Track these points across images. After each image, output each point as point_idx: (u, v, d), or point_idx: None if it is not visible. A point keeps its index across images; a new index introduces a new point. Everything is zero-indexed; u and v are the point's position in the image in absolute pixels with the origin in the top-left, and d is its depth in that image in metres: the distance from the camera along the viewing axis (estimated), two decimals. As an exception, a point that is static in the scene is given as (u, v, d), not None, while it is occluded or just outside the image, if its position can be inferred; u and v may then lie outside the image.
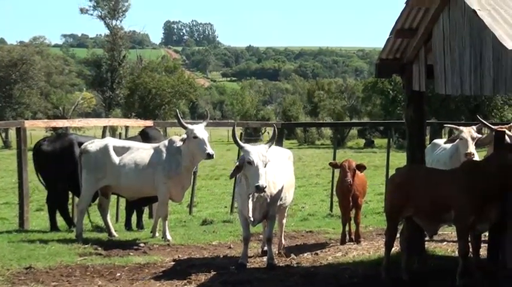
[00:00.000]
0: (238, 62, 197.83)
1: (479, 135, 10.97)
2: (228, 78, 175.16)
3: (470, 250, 7.84)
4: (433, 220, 7.98)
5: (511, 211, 7.57)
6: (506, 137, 9.82)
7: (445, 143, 11.58)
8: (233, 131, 8.99)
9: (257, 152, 8.60)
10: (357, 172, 10.52)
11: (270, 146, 8.89)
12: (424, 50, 9.21)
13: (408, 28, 9.14)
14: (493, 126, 10.35)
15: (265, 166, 8.59)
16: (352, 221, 10.81)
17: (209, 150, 10.55)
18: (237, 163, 8.71)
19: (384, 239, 9.88)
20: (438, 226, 8.21)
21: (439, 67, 8.69)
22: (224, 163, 26.81)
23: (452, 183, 7.73)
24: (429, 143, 13.10)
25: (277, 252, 9.84)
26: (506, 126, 10.47)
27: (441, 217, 7.86)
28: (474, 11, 6.64)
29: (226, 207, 14.63)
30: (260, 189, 8.44)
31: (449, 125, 12.30)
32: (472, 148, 10.36)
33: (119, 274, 8.81)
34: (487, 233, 8.72)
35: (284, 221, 10.18)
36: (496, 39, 6.04)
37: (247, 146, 8.80)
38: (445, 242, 10.37)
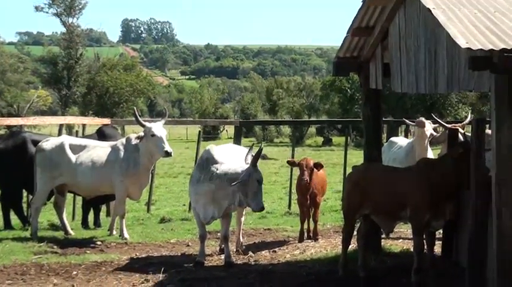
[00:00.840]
0: (197, 60, 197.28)
1: (434, 134, 11.12)
2: (187, 77, 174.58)
3: (425, 247, 7.93)
4: (390, 217, 8.06)
5: (464, 210, 7.67)
6: (460, 135, 9.97)
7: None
8: (256, 154, 8.72)
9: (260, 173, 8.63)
10: (316, 170, 10.58)
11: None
12: (381, 48, 9.28)
13: (365, 27, 9.20)
14: (447, 125, 10.49)
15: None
16: (311, 219, 10.86)
17: (167, 148, 10.51)
18: (244, 178, 8.55)
19: (341, 237, 9.96)
20: (394, 224, 8.29)
21: (395, 65, 8.76)
22: (183, 160, 26.71)
23: (408, 181, 7.81)
24: (386, 141, 13.25)
25: (235, 250, 9.85)
26: (460, 124, 10.62)
27: (397, 214, 7.93)
28: (429, 10, 6.71)
29: (184, 205, 14.56)
30: (261, 209, 8.64)
31: (407, 121, 12.41)
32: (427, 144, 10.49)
33: (75, 272, 8.72)
34: (441, 231, 8.85)
35: (242, 219, 10.19)
36: (449, 37, 6.11)
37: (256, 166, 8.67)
38: (401, 240, 10.47)
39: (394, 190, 7.86)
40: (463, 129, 10.41)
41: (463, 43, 5.79)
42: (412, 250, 9.52)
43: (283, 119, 50.79)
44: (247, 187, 8.56)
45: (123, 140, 11.01)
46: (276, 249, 10.13)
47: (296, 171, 11.52)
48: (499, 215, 6.05)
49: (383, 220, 8.14)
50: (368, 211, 8.16)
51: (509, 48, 5.59)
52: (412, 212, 7.72)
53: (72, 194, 12.28)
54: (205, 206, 8.95)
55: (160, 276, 8.46)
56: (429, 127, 11.17)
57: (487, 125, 7.41)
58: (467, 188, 7.19)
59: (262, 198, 8.62)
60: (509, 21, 6.36)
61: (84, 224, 12.14)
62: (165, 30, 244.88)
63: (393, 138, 12.97)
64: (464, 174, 7.43)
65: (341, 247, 8.59)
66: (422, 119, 11.52)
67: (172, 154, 10.69)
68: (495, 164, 6.07)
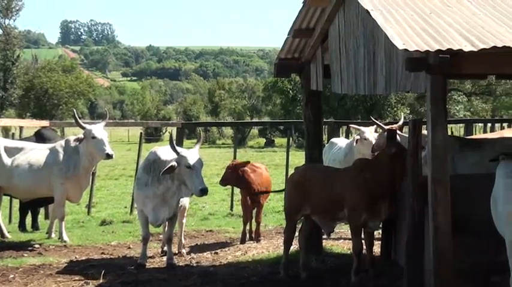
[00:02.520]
0: (138, 62, 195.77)
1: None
2: (128, 78, 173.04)
3: (364, 247, 8.03)
4: (329, 218, 8.13)
5: (402, 210, 7.79)
6: (398, 136, 10.11)
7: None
8: (170, 139, 8.88)
9: (194, 156, 8.57)
10: (262, 171, 10.66)
11: (198, 148, 8.87)
12: (321, 49, 9.36)
13: (306, 28, 9.27)
14: (384, 126, 10.62)
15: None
16: (253, 220, 10.89)
17: (108, 150, 10.41)
18: (173, 164, 8.54)
19: (283, 238, 10.01)
20: (334, 224, 8.36)
21: (335, 67, 8.84)
22: (124, 163, 26.44)
23: (345, 181, 7.89)
24: (327, 142, 13.36)
25: (177, 252, 9.80)
26: (396, 125, 10.76)
27: (336, 215, 8.01)
28: (367, 11, 6.79)
29: (126, 207, 14.43)
30: (205, 192, 8.44)
31: (353, 126, 12.49)
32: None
33: (12, 276, 8.55)
34: (380, 231, 8.98)
35: (184, 220, 10.15)
36: (387, 39, 6.19)
37: (184, 151, 8.70)
38: (342, 240, 10.58)
39: (332, 190, 7.94)
40: (401, 130, 10.54)
41: (400, 44, 5.87)
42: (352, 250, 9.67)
43: (225, 121, 50.78)
44: (182, 175, 8.55)
45: (62, 142, 10.85)
46: (218, 251, 10.12)
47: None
48: (434, 215, 6.14)
49: (323, 221, 8.21)
50: (309, 211, 8.21)
51: (444, 49, 5.69)
52: (349, 212, 7.81)
53: (8, 197, 12.03)
54: (155, 209, 8.90)
55: (101, 279, 8.35)
56: (371, 136, 11.23)
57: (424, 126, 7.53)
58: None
59: (202, 182, 8.45)
60: (445, 23, 6.47)
61: (22, 227, 11.93)
62: (106, 32, 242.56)
63: (334, 139, 13.09)
64: (399, 174, 7.57)
65: (283, 247, 8.62)
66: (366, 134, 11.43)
67: (113, 156, 10.59)
68: (430, 163, 6.16)
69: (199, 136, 9.05)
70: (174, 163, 8.52)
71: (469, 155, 8.06)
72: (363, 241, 8.01)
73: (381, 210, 7.82)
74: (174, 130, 14.70)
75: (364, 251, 8.00)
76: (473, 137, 13.25)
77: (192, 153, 8.63)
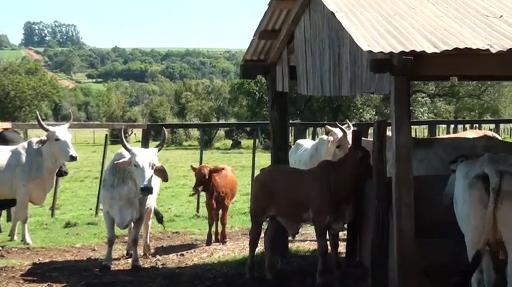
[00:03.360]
0: (104, 63, 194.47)
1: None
2: (94, 80, 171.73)
3: (330, 248, 8.06)
4: (294, 219, 8.15)
5: (367, 211, 7.84)
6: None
7: None
8: (121, 135, 8.92)
9: (144, 154, 8.54)
10: (227, 172, 10.63)
11: (159, 150, 8.86)
12: (287, 51, 9.38)
13: (271, 30, 9.28)
14: (345, 129, 10.65)
15: (152, 168, 8.53)
16: (219, 222, 10.87)
17: (72, 152, 10.31)
18: (124, 160, 8.56)
19: (248, 239, 10.01)
20: (299, 226, 8.37)
21: (301, 68, 8.87)
22: (89, 164, 26.18)
23: (310, 183, 7.93)
24: (294, 144, 13.38)
25: (142, 254, 9.75)
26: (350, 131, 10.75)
27: (301, 216, 8.03)
28: (332, 13, 6.82)
29: (91, 209, 14.31)
30: (146, 190, 8.36)
31: (329, 128, 12.43)
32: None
33: (-27, 280, 8.44)
34: (346, 232, 9.02)
35: (149, 222, 10.11)
36: (352, 40, 6.23)
37: (135, 149, 8.68)
38: (307, 241, 10.61)
39: (297, 191, 7.97)
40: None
41: (364, 46, 5.91)
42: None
43: (191, 122, 50.60)
44: (133, 173, 8.52)
45: (25, 144, 10.71)
46: (184, 252, 10.09)
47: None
48: (398, 215, 6.19)
49: (288, 222, 8.22)
50: (274, 212, 8.22)
51: (407, 51, 5.74)
52: (314, 214, 7.84)
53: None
54: (121, 210, 8.86)
55: (65, 281, 8.27)
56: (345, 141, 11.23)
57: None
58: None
59: (145, 180, 8.35)
60: (408, 25, 6.53)
61: (-17, 229, 11.76)
62: (70, 33, 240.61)
63: (300, 141, 13.11)
64: (363, 178, 7.63)
65: (248, 249, 8.62)
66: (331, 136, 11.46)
67: (77, 158, 10.49)
68: (395, 164, 6.20)
69: (163, 136, 9.02)
70: (125, 159, 8.55)
71: (417, 152, 8.13)
72: (328, 242, 8.04)
73: (345, 212, 7.88)
74: (140, 132, 14.62)
75: (329, 252, 8.03)
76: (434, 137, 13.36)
77: (141, 151, 8.64)
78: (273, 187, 8.15)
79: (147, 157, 8.52)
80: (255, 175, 8.99)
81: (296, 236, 9.99)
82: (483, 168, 6.01)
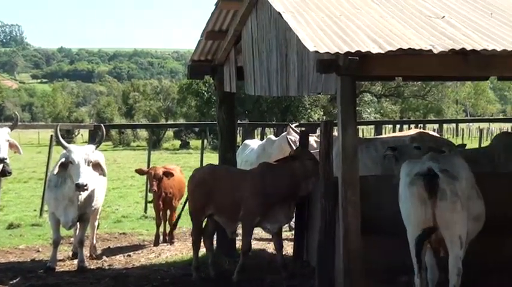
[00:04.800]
0: (49, 64, 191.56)
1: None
2: (39, 80, 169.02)
3: (273, 249, 8.11)
4: (231, 218, 8.20)
5: (314, 211, 7.90)
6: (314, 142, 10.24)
7: None
8: (56, 132, 8.87)
9: (79, 151, 8.48)
10: (174, 173, 10.57)
11: (97, 147, 8.79)
12: (234, 52, 9.39)
13: (218, 30, 9.28)
14: (297, 131, 10.72)
15: (89, 165, 8.46)
16: (167, 222, 10.82)
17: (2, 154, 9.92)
18: (62, 160, 8.47)
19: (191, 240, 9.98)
20: (236, 224, 8.41)
21: (248, 69, 8.89)
22: (34, 165, 25.78)
23: (244, 183, 8.00)
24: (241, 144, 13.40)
25: (88, 255, 9.64)
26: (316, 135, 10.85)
27: (237, 215, 8.09)
28: (279, 14, 6.85)
29: (35, 210, 14.09)
30: (80, 187, 8.27)
31: (292, 127, 12.43)
32: None
33: None
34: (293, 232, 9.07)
35: (96, 223, 10.01)
36: (299, 41, 6.27)
37: (70, 146, 8.63)
38: (255, 241, 10.59)
39: (232, 191, 8.04)
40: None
41: (311, 46, 5.94)
42: (269, 249, 9.74)
43: (139, 123, 50.21)
44: (69, 171, 8.46)
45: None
46: (131, 253, 10.01)
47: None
48: (344, 215, 6.24)
49: (225, 221, 8.29)
50: (212, 211, 8.25)
51: (353, 51, 5.79)
52: (243, 213, 7.94)
53: None
54: (66, 210, 8.75)
55: (8, 283, 8.12)
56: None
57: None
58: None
59: (80, 176, 8.25)
60: (354, 25, 6.60)
61: None
62: (14, 33, 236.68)
63: (247, 141, 13.14)
64: (302, 184, 7.73)
65: (192, 250, 8.59)
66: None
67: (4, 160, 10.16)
68: (341, 164, 6.26)
69: (101, 134, 8.97)
70: (62, 159, 8.47)
71: None
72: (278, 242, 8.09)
73: (279, 215, 7.96)
74: (87, 132, 14.45)
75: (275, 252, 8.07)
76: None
77: (77, 148, 8.60)
78: (211, 186, 8.18)
79: (83, 153, 8.46)
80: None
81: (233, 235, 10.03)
82: (424, 166, 6.14)
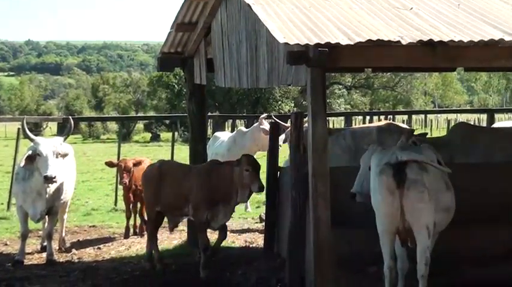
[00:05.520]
0: (16, 57, 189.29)
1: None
2: (5, 73, 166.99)
3: (244, 241, 8.14)
4: (176, 213, 8.28)
5: (285, 203, 7.91)
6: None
7: None
8: (23, 125, 8.79)
9: (47, 143, 8.42)
10: (145, 166, 10.51)
11: (65, 139, 8.74)
12: (204, 44, 9.37)
13: (188, 22, 9.25)
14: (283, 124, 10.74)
15: (57, 157, 8.41)
16: (137, 215, 10.77)
17: None
18: (29, 153, 8.40)
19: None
20: (180, 219, 8.52)
21: (218, 61, 8.88)
22: (1, 159, 25.49)
23: (193, 179, 8.04)
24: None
25: (57, 248, 9.58)
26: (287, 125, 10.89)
27: (183, 210, 8.16)
28: (249, 5, 6.84)
29: (2, 204, 13.93)
30: (48, 179, 8.21)
31: (278, 121, 12.37)
32: None
33: None
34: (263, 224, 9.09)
35: (65, 216, 9.94)
36: (269, 33, 6.27)
37: (38, 138, 8.57)
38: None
39: (180, 187, 8.09)
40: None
41: (280, 38, 5.94)
42: (237, 243, 9.76)
43: (109, 115, 49.94)
44: (37, 163, 8.40)
45: None
46: (101, 246, 9.96)
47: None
48: (315, 206, 6.26)
49: (171, 215, 8.36)
50: (160, 207, 8.31)
51: (323, 43, 5.80)
52: (193, 210, 8.00)
53: None
54: (34, 203, 8.69)
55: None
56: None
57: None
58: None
59: (48, 168, 8.21)
60: (323, 17, 6.61)
61: None
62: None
63: (217, 133, 13.14)
64: (244, 189, 7.81)
65: (147, 244, 8.61)
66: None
67: None
68: (311, 156, 6.27)
69: (69, 125, 8.92)
70: (29, 152, 8.40)
71: None
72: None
73: (221, 214, 8.04)
74: (56, 125, 14.33)
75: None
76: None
77: (44, 141, 8.54)
78: (160, 182, 8.23)
79: (51, 145, 8.41)
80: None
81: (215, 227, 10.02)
82: (393, 156, 6.19)
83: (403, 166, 6.09)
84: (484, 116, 25.48)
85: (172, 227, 8.63)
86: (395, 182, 6.06)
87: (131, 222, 10.72)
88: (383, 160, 6.27)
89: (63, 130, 14.22)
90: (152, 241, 8.49)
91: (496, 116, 22.87)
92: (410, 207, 6.10)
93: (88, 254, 9.50)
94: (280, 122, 10.95)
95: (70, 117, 9.39)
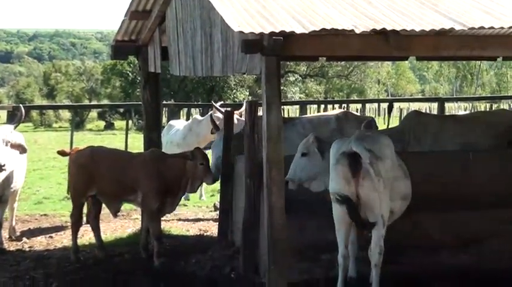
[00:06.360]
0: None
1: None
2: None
3: (198, 230, 8.15)
4: (117, 199, 8.27)
5: (239, 191, 7.92)
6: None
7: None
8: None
9: None
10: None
11: (15, 127, 8.66)
12: (159, 32, 9.30)
13: (143, 10, 9.17)
14: (222, 110, 10.72)
15: (6, 145, 8.31)
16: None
17: None
18: None
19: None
20: (120, 205, 8.47)
21: (173, 49, 8.83)
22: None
23: (140, 167, 8.04)
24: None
25: (7, 236, 9.46)
26: (238, 111, 10.90)
27: (125, 197, 8.19)
28: (204, -7, 6.82)
29: None
30: None
31: (216, 106, 12.27)
32: None
33: None
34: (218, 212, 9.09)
35: (15, 205, 9.81)
36: (223, 21, 6.25)
37: None
38: (180, 222, 10.63)
39: (125, 174, 8.06)
40: (241, 116, 10.68)
41: (235, 26, 5.93)
42: (191, 232, 9.76)
43: (62, 104, 49.27)
44: None
45: None
46: (53, 235, 9.87)
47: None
48: (269, 194, 6.27)
49: (110, 201, 8.31)
50: (95, 192, 8.24)
51: (277, 31, 5.81)
52: (143, 198, 8.01)
53: None
54: None
55: None
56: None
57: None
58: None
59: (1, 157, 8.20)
60: (278, 5, 6.60)
61: None
62: None
63: (172, 122, 13.08)
64: (187, 179, 7.93)
65: (71, 232, 8.54)
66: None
67: None
68: (265, 145, 6.28)
69: (20, 113, 8.80)
70: None
71: None
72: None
73: (167, 204, 8.11)
74: (5, 113, 14.11)
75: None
76: None
77: None
78: (95, 168, 8.14)
79: (1, 133, 8.33)
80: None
81: (169, 216, 10.02)
82: (350, 145, 6.24)
83: (358, 155, 6.14)
84: (435, 105, 25.84)
85: (115, 213, 8.55)
86: (350, 172, 6.11)
87: (84, 210, 10.60)
88: (341, 149, 6.30)
89: (13, 118, 14.03)
90: (75, 229, 8.41)
91: (446, 104, 23.22)
92: (366, 196, 6.16)
93: (39, 242, 9.42)
94: (220, 109, 10.96)
95: (21, 105, 9.23)
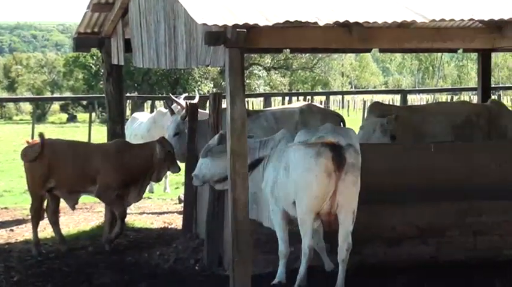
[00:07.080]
0: None
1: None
2: None
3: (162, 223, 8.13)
4: (75, 191, 8.27)
5: (204, 186, 7.92)
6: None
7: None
8: None
9: None
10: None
11: None
12: (122, 24, 9.26)
13: (105, 2, 9.12)
14: (181, 102, 10.68)
15: None
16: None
17: None
18: None
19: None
20: (77, 197, 8.47)
21: (136, 41, 8.79)
22: None
23: (101, 158, 8.06)
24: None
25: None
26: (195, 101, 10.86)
27: (85, 188, 8.19)
28: (166, -15, 6.79)
29: None
30: None
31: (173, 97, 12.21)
32: None
33: None
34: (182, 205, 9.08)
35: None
36: (187, 13, 6.23)
37: None
38: (144, 215, 10.59)
39: (85, 165, 8.06)
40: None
41: (198, 19, 5.91)
42: (155, 225, 9.75)
43: (23, 96, 48.68)
44: None
45: None
46: (14, 228, 9.80)
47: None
48: (233, 186, 6.26)
49: (67, 194, 8.28)
50: (53, 185, 8.17)
51: (241, 23, 5.79)
52: (99, 189, 8.04)
53: None
54: None
55: None
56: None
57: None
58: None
59: None
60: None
61: None
62: None
63: (135, 114, 13.01)
64: (154, 167, 8.04)
65: (32, 226, 8.46)
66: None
67: None
68: (229, 136, 6.27)
69: None
70: None
71: None
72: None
73: (131, 194, 8.17)
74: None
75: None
76: None
77: None
78: (52, 160, 8.08)
79: None
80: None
81: (133, 209, 9.99)
82: (330, 138, 6.15)
83: (343, 148, 6.12)
84: (397, 97, 26.10)
85: (73, 205, 8.50)
86: (334, 165, 6.07)
87: (46, 203, 10.51)
88: (309, 140, 6.24)
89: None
90: (35, 223, 8.33)
91: (409, 96, 23.45)
92: (345, 190, 6.13)
93: (0, 236, 9.33)
94: (178, 101, 10.94)
95: None
